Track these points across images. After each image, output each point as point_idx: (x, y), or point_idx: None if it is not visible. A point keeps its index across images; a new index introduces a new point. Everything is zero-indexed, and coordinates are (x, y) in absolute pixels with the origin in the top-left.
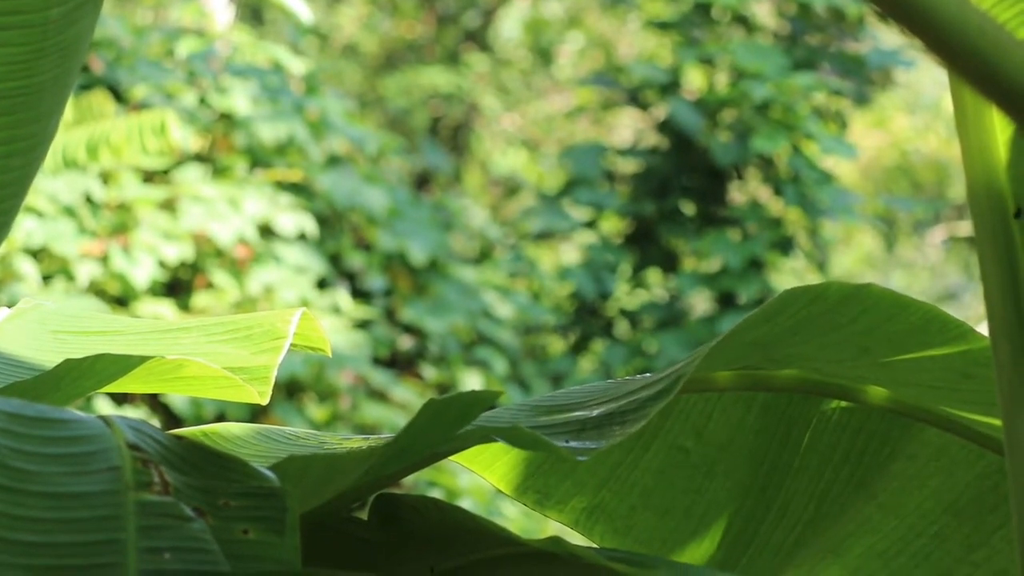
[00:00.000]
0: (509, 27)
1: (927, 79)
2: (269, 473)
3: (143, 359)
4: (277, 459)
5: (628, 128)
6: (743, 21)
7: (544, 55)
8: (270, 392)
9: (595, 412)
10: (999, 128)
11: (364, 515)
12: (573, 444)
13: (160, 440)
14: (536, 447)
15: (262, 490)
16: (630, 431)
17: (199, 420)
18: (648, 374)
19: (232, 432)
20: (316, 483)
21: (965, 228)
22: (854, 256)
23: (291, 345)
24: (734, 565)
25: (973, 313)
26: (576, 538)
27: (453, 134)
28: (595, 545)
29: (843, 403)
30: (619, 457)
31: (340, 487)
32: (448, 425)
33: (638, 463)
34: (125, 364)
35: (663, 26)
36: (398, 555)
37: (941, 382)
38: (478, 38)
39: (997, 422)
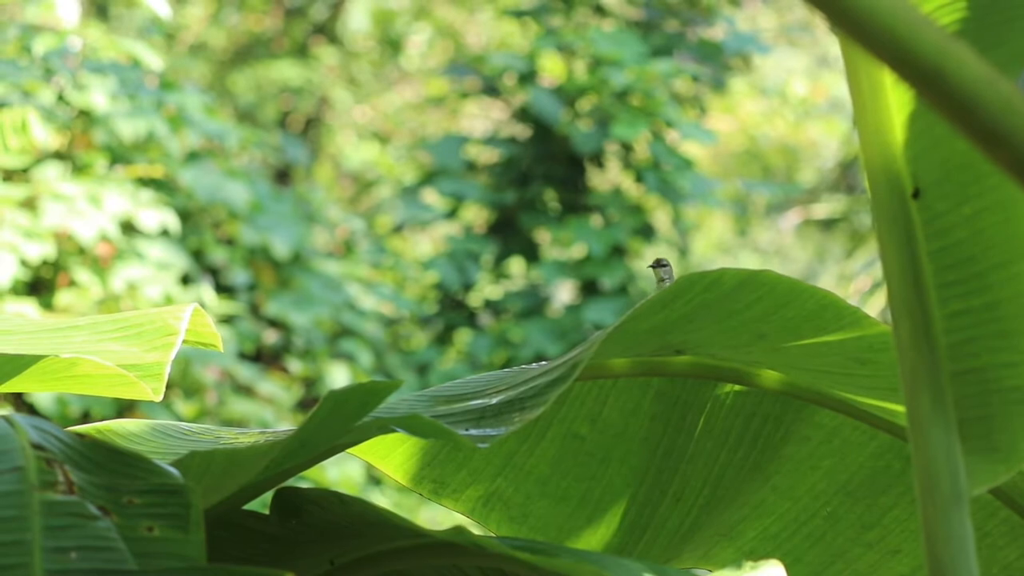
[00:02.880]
0: (357, 19)
1: (772, 64)
2: (172, 470)
3: (37, 358)
4: (176, 455)
5: (481, 118)
6: (599, 9)
7: (393, 46)
8: (164, 388)
9: (494, 400)
10: (896, 110)
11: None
12: (473, 432)
13: (63, 439)
14: (437, 436)
15: (166, 487)
16: (529, 417)
17: (65, 418)
18: (544, 363)
19: (128, 429)
20: (218, 478)
21: (818, 211)
22: (706, 241)
23: (182, 341)
24: (631, 550)
25: None
26: (469, 526)
27: (304, 128)
28: (491, 533)
29: (737, 387)
30: (514, 446)
31: (241, 482)
32: (348, 416)
33: (533, 451)
34: (19, 363)
35: (519, 14)
36: (299, 549)
37: (836, 367)
38: (327, 30)
39: (893, 406)
